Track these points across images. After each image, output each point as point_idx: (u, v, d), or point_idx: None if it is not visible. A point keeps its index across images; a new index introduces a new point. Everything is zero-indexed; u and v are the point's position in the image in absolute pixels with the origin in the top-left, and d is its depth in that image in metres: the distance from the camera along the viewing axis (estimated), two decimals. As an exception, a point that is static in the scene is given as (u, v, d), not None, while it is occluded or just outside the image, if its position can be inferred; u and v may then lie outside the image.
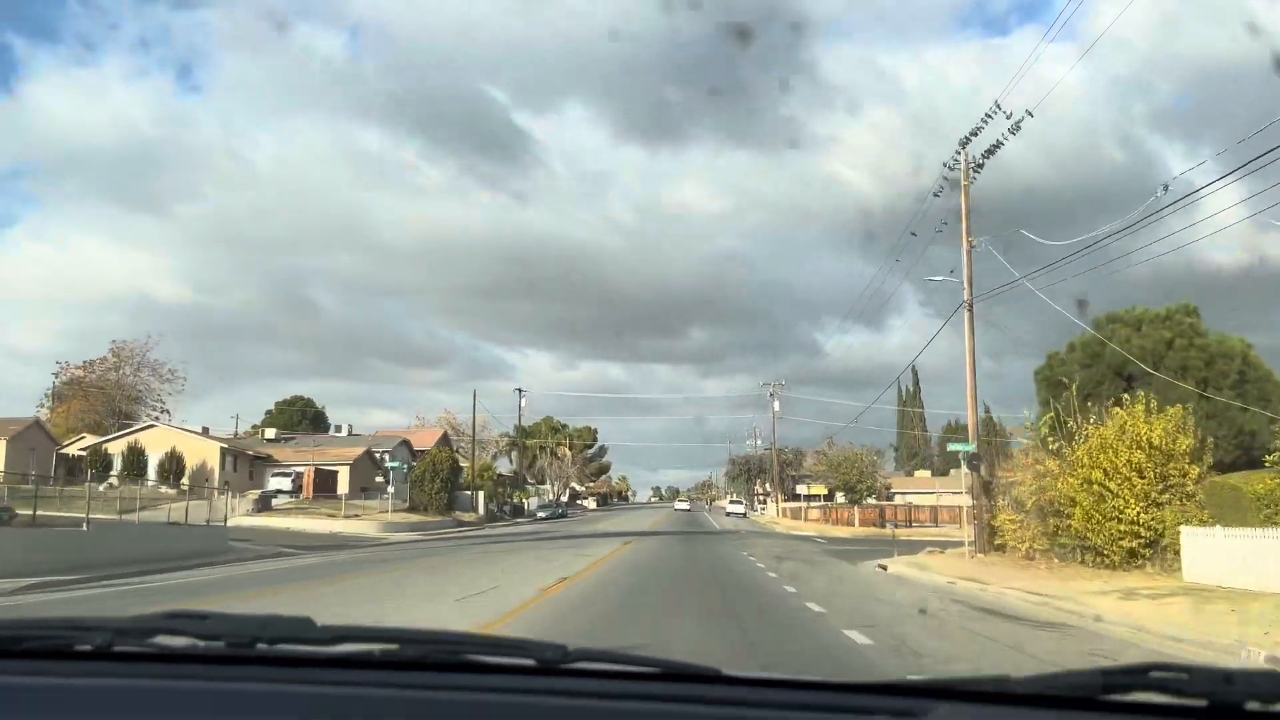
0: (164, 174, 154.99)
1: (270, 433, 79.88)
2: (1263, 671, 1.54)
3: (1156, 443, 20.36)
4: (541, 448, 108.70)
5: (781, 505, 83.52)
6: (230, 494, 49.90)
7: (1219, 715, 1.45)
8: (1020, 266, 27.38)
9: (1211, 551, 17.58)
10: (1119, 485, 20.49)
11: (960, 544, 29.22)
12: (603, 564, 23.46)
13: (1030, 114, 25.90)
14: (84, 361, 75.89)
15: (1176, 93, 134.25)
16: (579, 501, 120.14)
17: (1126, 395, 22.13)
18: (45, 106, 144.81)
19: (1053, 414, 23.81)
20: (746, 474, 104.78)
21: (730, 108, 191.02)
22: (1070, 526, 22.07)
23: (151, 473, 54.39)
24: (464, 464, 69.95)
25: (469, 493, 67.51)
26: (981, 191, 28.56)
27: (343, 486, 61.72)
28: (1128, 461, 20.45)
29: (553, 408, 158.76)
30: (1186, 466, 20.58)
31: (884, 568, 24.19)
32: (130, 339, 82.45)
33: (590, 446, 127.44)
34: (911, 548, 30.38)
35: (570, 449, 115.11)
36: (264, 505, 50.58)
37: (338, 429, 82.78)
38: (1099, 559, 21.35)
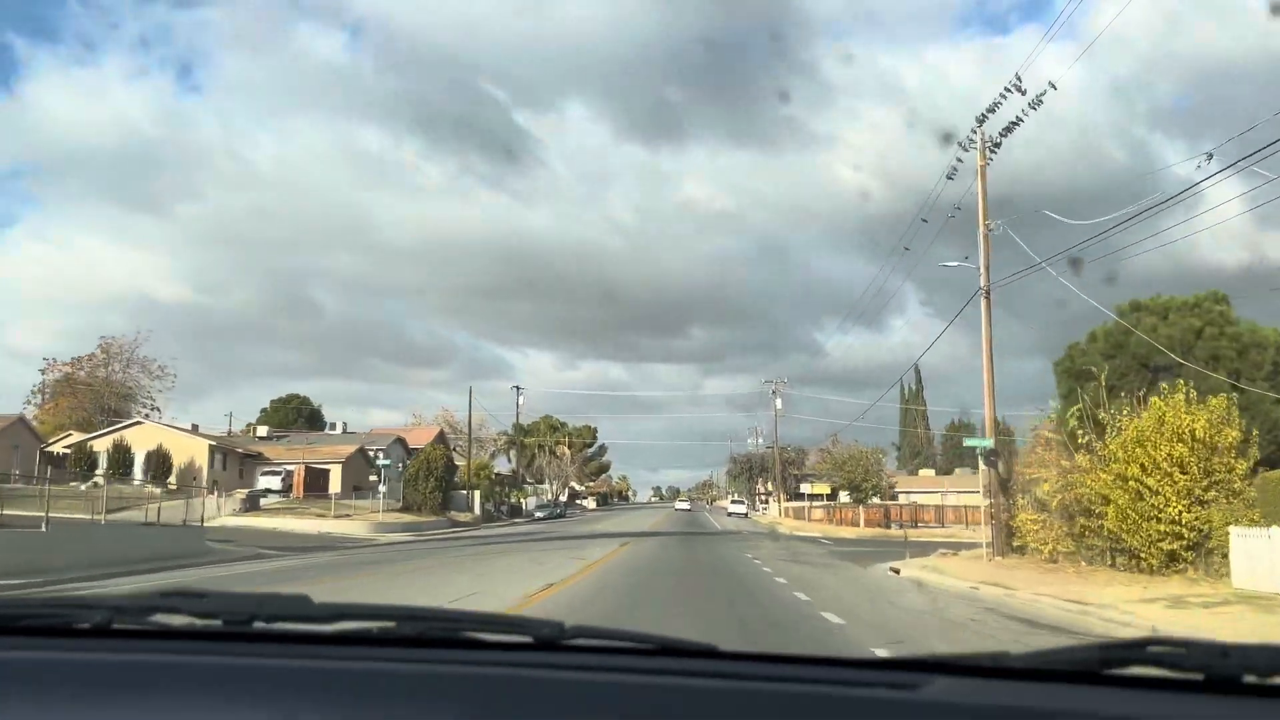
0: (164, 174, 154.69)
1: (262, 430, 78.26)
2: (1259, 645, 1.43)
3: (1200, 435, 18.63)
4: (540, 447, 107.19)
5: (784, 505, 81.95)
6: (218, 493, 48.33)
7: (1216, 688, 1.43)
8: (1036, 258, 25.69)
9: (1266, 555, 15.97)
10: (1159, 481, 18.78)
11: (972, 545, 28.01)
12: (598, 566, 22.20)
13: (1054, 86, 24.33)
14: (72, 358, 74.47)
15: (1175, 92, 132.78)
16: (578, 501, 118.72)
17: (1164, 385, 20.46)
18: (46, 106, 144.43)
19: (1080, 406, 22.21)
20: (748, 473, 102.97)
21: (730, 108, 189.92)
22: (1102, 527, 20.45)
23: (137, 471, 52.97)
24: (460, 463, 68.49)
25: (465, 492, 66.02)
26: (992, 185, 26.88)
27: (334, 485, 60.26)
28: (1168, 455, 18.70)
29: (553, 407, 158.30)
30: (1232, 461, 18.85)
31: (896, 571, 22.82)
32: (119, 335, 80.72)
33: (590, 446, 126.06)
34: (923, 549, 29.05)
35: (569, 448, 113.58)
36: (251, 505, 48.91)
37: (332, 426, 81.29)
38: (1133, 562, 19.72)
